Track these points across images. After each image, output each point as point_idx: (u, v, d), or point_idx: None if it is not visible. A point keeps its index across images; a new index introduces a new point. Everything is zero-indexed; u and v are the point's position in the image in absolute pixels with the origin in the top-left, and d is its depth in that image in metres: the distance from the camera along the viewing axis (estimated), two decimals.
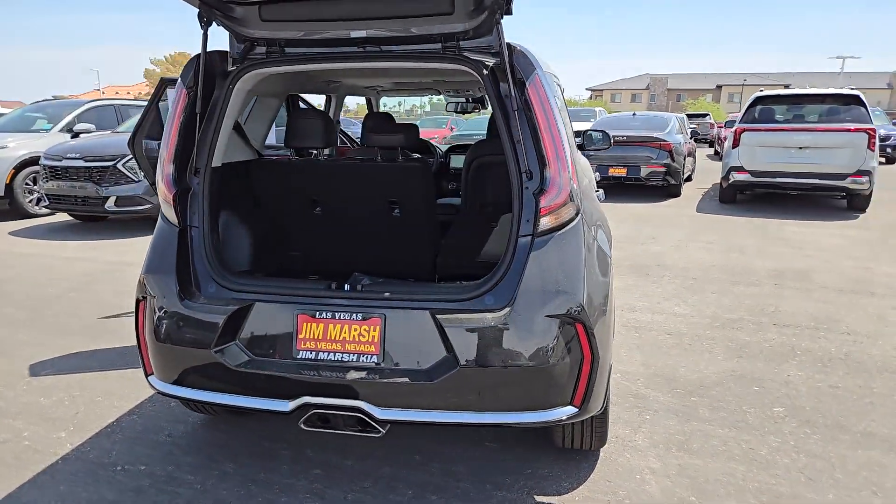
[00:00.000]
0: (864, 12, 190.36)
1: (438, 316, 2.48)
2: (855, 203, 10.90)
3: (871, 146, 10.23)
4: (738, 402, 3.73)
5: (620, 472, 3.01)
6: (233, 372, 2.59)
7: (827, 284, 6.24)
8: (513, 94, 2.51)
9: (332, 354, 2.56)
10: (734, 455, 3.15)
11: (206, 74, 2.78)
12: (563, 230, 2.52)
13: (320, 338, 2.58)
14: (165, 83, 4.28)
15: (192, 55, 2.82)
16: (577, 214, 2.56)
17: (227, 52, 2.90)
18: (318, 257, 3.71)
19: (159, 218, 2.91)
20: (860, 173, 10.27)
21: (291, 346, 2.60)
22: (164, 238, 2.83)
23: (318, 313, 2.58)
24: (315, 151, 4.25)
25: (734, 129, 11.46)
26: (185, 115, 2.82)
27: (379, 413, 2.50)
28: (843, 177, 10.35)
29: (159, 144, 4.40)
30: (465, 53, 2.67)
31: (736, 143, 11.07)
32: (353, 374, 2.52)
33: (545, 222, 2.49)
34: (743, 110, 11.90)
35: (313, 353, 2.58)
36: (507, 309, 2.45)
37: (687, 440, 3.29)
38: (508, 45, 2.53)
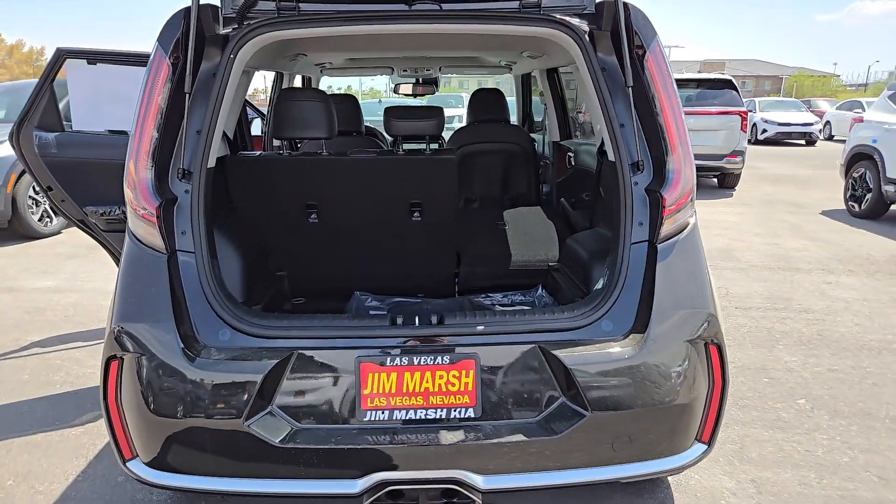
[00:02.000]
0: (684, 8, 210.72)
1: (549, 350, 1.96)
2: (727, 182, 11.70)
3: (743, 128, 10.99)
4: (760, 397, 3.59)
5: (701, 497, 2.69)
6: (275, 449, 1.89)
7: (755, 263, 6.47)
8: (626, 65, 2.02)
9: (412, 412, 1.95)
10: (797, 461, 2.96)
11: (198, 39, 2.00)
12: (684, 233, 2.09)
13: (393, 391, 1.95)
14: (64, 55, 3.25)
15: (178, 10, 2.01)
16: (694, 214, 2.15)
17: (216, 7, 2.12)
18: (309, 277, 2.99)
19: (128, 242, 2.07)
20: (735, 153, 11.01)
21: (355, 407, 1.94)
22: (144, 270, 2.01)
23: (388, 359, 1.95)
24: (300, 142, 3.48)
25: None
26: (169, 96, 2.01)
27: (483, 482, 1.94)
28: (720, 157, 11.04)
29: (57, 137, 3.37)
30: (547, 13, 2.14)
31: None
32: (444, 436, 1.93)
33: (666, 225, 2.05)
34: None
35: (385, 412, 1.95)
36: (638, 336, 1.98)
37: (741, 449, 3.06)
38: (624, 3, 2.04)
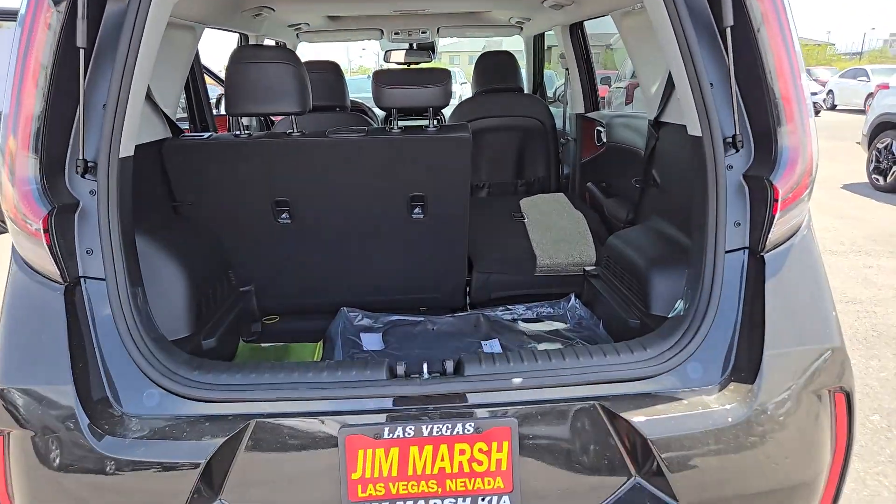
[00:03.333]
0: None
1: (615, 411, 1.38)
2: None
3: None
4: None
5: None
6: None
7: None
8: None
9: (421, 502, 1.37)
10: (888, 500, 2.42)
11: None
12: (798, 236, 1.50)
13: (394, 474, 1.37)
14: None
15: None
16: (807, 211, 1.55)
17: None
18: (283, 291, 2.40)
19: (12, 266, 1.46)
20: None
21: (340, 498, 1.36)
22: (33, 307, 1.41)
23: (385, 430, 1.36)
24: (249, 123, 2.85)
25: None
26: (55, 55, 1.38)
27: None
28: None
29: None
30: None
31: None
32: None
33: (778, 226, 1.45)
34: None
35: (384, 503, 1.36)
36: (742, 386, 1.40)
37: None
38: None
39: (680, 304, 1.59)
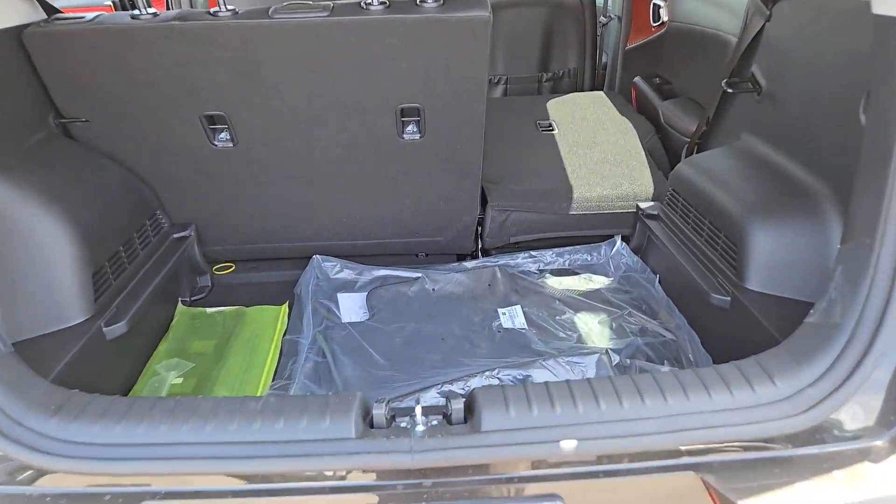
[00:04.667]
0: None
1: (729, 496, 0.84)
2: None
3: None
4: None
5: None
6: None
7: None
8: None
9: None
10: None
11: None
12: None
13: None
14: None
15: None
16: None
17: None
18: (239, 231, 1.82)
19: None
20: None
21: None
22: None
23: None
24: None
25: None
26: None
27: None
28: None
29: None
30: None
31: None
32: None
33: None
34: None
35: None
36: None
37: None
38: None
39: (825, 302, 0.99)
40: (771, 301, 1.32)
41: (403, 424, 0.91)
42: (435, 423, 0.92)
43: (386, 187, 1.73)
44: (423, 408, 0.92)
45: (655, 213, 1.80)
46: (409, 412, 0.92)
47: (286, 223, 1.83)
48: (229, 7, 1.40)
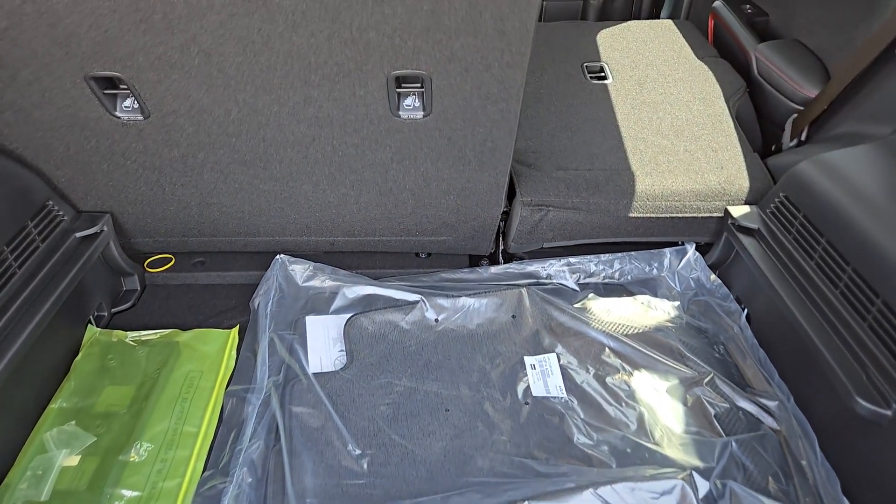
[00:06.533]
0: None
1: None
2: None
3: None
4: None
5: None
6: None
7: None
8: None
9: None
10: None
11: None
12: None
13: None
14: None
15: None
16: None
17: None
18: (160, 228, 1.34)
19: None
20: None
21: None
22: None
23: None
24: None
25: None
26: None
27: None
28: None
29: None
30: None
31: None
32: None
33: None
34: None
35: None
36: None
37: None
38: None
39: None
40: None
41: None
42: None
43: (374, 176, 1.22)
44: None
45: (754, 226, 1.29)
46: None
47: (235, 215, 1.33)
48: None
